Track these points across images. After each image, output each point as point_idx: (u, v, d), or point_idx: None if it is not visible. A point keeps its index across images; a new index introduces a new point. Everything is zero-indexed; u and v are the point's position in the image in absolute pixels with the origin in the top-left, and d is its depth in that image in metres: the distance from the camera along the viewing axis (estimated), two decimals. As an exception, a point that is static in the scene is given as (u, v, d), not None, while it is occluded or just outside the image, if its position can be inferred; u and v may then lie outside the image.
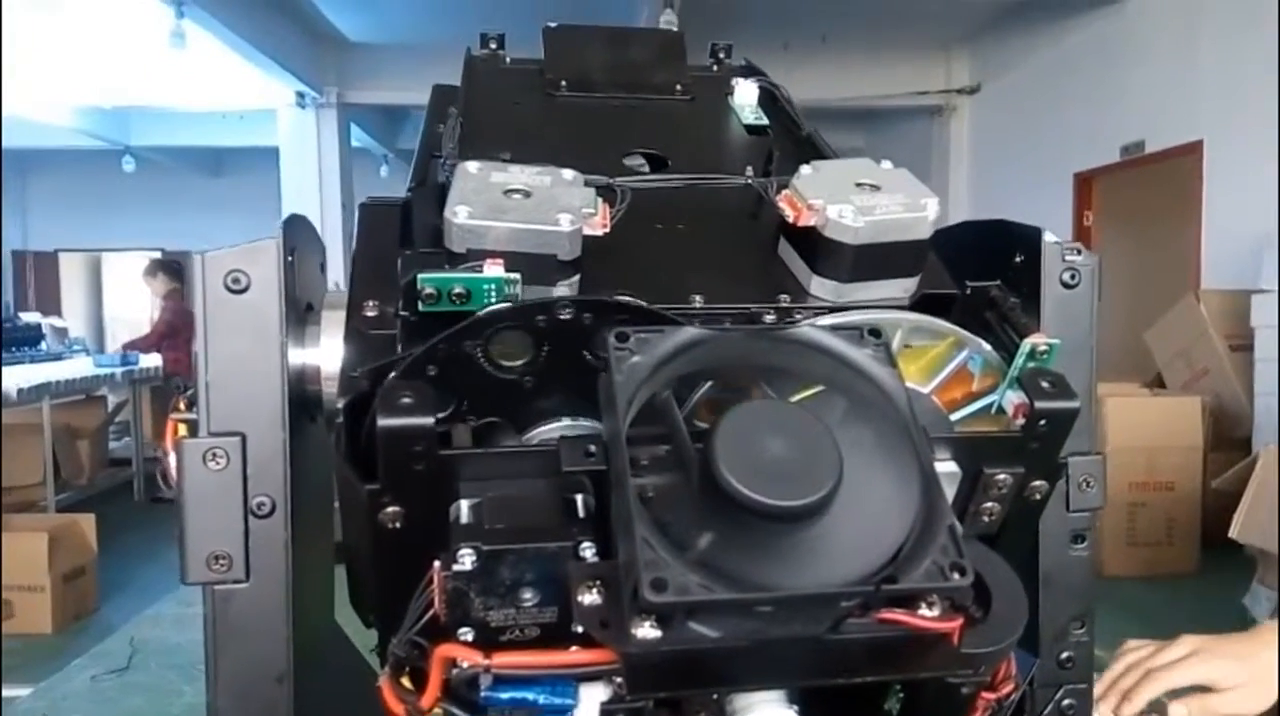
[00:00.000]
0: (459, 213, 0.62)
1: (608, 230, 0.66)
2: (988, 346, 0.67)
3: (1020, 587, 0.60)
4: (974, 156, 8.99)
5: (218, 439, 0.64)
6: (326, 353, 0.71)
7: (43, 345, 8.02)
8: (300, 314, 0.72)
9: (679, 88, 0.99)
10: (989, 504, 0.64)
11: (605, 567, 0.50)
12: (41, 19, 7.09)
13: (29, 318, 8.81)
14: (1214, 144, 5.69)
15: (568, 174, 0.68)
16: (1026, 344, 0.65)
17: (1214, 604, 3.88)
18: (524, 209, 0.64)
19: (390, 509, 0.55)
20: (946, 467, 0.61)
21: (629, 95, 0.97)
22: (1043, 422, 0.61)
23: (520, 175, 0.67)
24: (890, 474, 0.52)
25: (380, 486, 0.54)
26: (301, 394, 0.70)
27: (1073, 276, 0.73)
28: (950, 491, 0.62)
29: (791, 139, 0.94)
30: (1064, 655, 0.75)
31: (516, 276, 0.61)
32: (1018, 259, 0.74)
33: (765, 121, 0.96)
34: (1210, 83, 5.70)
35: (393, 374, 0.58)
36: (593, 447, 0.54)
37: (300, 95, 8.71)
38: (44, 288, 13.15)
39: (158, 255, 10.90)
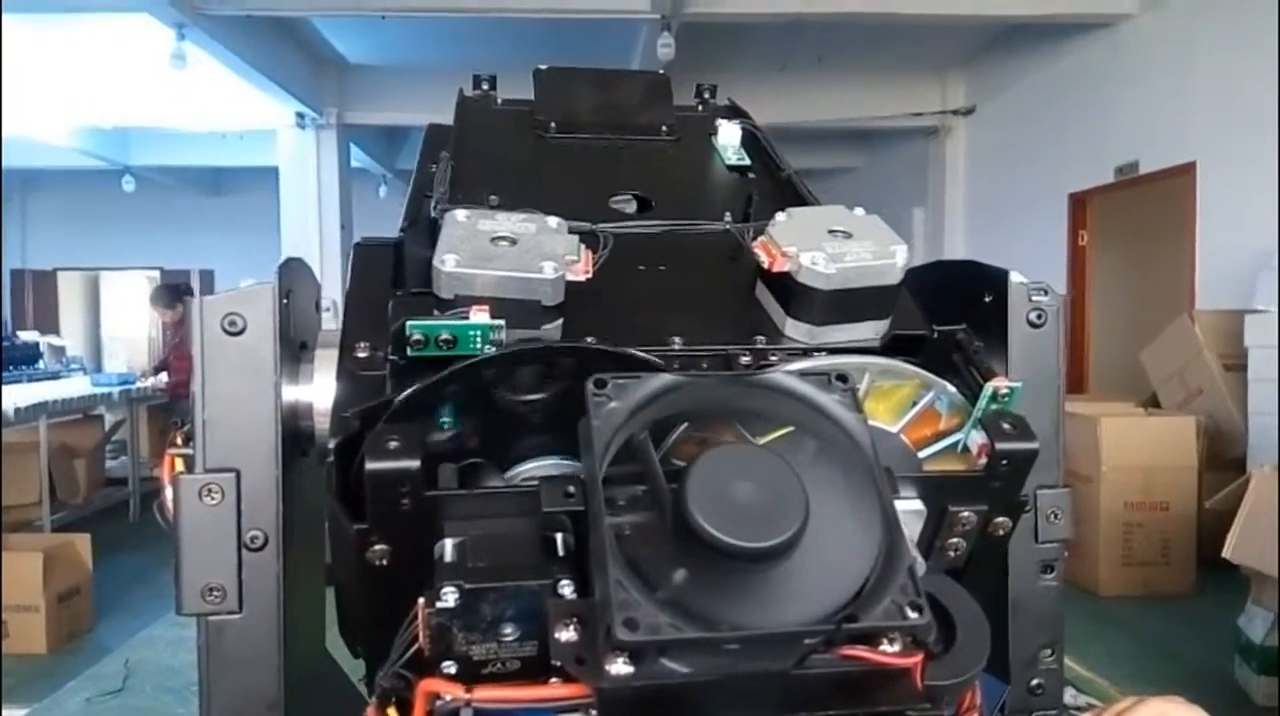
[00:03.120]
0: (447, 261, 0.65)
1: (590, 276, 0.68)
2: (952, 388, 0.69)
3: (984, 620, 0.62)
4: (969, 177, 9.05)
5: (213, 475, 0.66)
6: (320, 390, 0.73)
7: (40, 364, 8.03)
8: (295, 352, 0.74)
9: (665, 129, 1.02)
10: (954, 539, 0.66)
11: (581, 606, 0.52)
12: (43, 39, 7.15)
13: (27, 336, 8.82)
14: (1207, 165, 5.73)
15: (552, 221, 0.71)
16: (989, 387, 0.67)
17: (1209, 624, 3.88)
18: (509, 257, 0.66)
19: (378, 547, 0.57)
20: (912, 505, 0.64)
21: (616, 136, 1.00)
22: (1004, 463, 0.64)
23: (506, 223, 0.70)
24: (854, 515, 0.54)
25: (368, 526, 0.57)
26: (295, 429, 0.73)
27: (1039, 316, 0.76)
28: (916, 528, 0.64)
29: (772, 180, 0.97)
30: (1034, 682, 0.77)
31: (501, 323, 0.63)
32: (986, 299, 0.77)
33: (747, 162, 0.99)
34: (1203, 104, 5.75)
35: (384, 416, 0.60)
36: (571, 488, 0.56)
37: (300, 116, 8.75)
38: (42, 306, 13.17)
39: (156, 274, 10.94)
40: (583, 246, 0.70)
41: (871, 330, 0.74)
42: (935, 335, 0.75)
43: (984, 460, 0.64)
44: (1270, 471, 3.29)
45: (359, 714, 0.74)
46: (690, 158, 1.00)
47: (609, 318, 0.71)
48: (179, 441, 0.70)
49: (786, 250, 0.70)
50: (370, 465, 0.54)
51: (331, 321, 0.80)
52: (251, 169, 10.91)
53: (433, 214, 0.76)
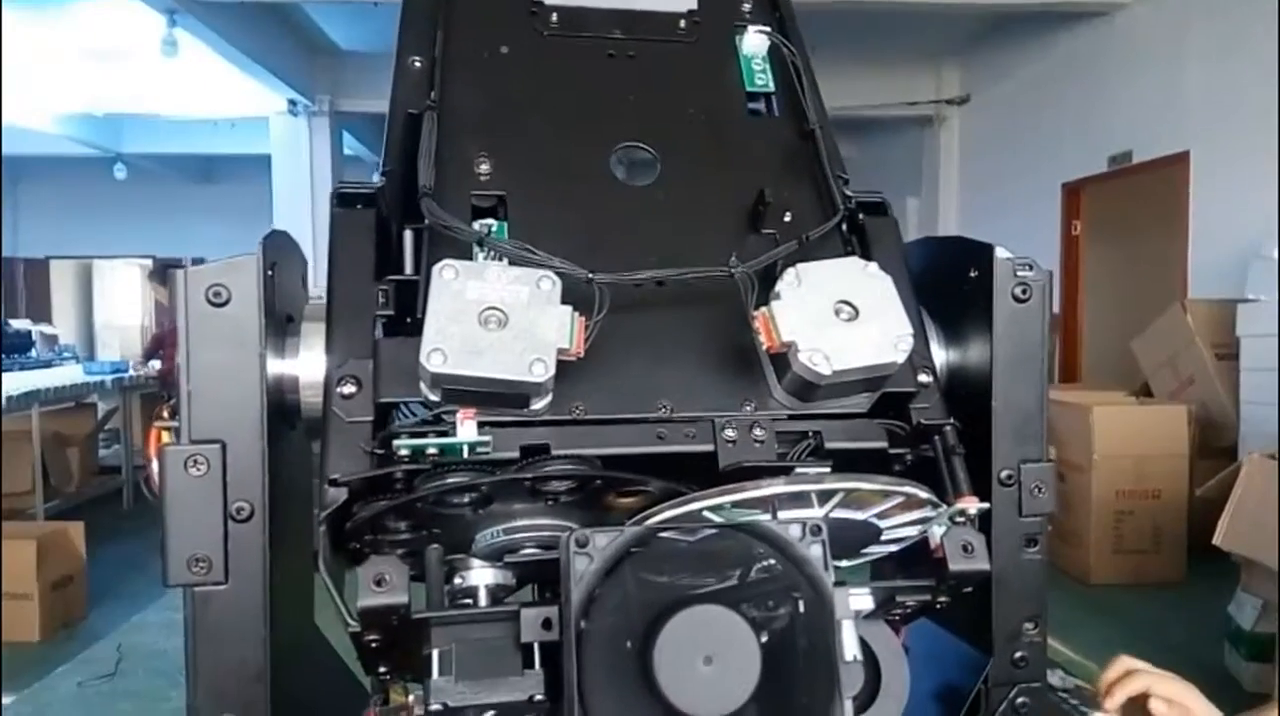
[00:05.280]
0: (433, 360, 0.64)
1: (581, 356, 0.68)
2: (923, 493, 0.70)
3: (904, 662, 0.70)
4: (963, 166, 9.04)
5: (198, 446, 0.67)
6: (306, 363, 0.73)
7: (33, 352, 8.01)
8: (281, 325, 0.74)
9: (681, 24, 0.91)
10: (896, 611, 0.72)
11: None
12: (33, 25, 7.10)
13: (19, 324, 8.79)
14: (1200, 155, 5.74)
15: (545, 283, 0.68)
16: (958, 506, 0.70)
17: (1200, 611, 3.90)
18: (499, 348, 0.65)
19: (370, 637, 0.63)
20: (863, 602, 0.68)
21: (625, 36, 0.89)
22: (954, 581, 0.69)
23: (498, 285, 0.67)
24: (804, 677, 0.60)
25: (361, 630, 0.63)
26: (281, 403, 0.73)
27: (1024, 291, 0.76)
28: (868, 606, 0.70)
29: (795, 129, 0.90)
30: (1017, 654, 0.78)
31: (488, 438, 0.65)
32: (972, 274, 0.77)
33: (771, 87, 0.91)
34: (1197, 94, 5.76)
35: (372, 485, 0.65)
36: (549, 618, 0.62)
37: (292, 103, 8.72)
38: (34, 295, 13.10)
39: (149, 262, 10.90)
40: (576, 315, 0.68)
41: (862, 398, 0.74)
42: (920, 425, 0.76)
43: (941, 554, 0.70)
44: (1260, 458, 3.30)
45: (346, 686, 0.75)
46: (708, 80, 0.91)
47: (598, 385, 0.72)
48: (165, 415, 0.70)
49: (785, 340, 0.68)
50: (363, 602, 0.60)
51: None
52: (244, 156, 10.85)
53: (419, 198, 0.74)
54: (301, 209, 8.83)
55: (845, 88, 8.68)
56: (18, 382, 5.91)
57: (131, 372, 6.98)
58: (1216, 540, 3.31)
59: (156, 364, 6.95)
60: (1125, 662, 1.18)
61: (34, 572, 4.06)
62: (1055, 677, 1.48)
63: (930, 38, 8.30)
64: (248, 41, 7.10)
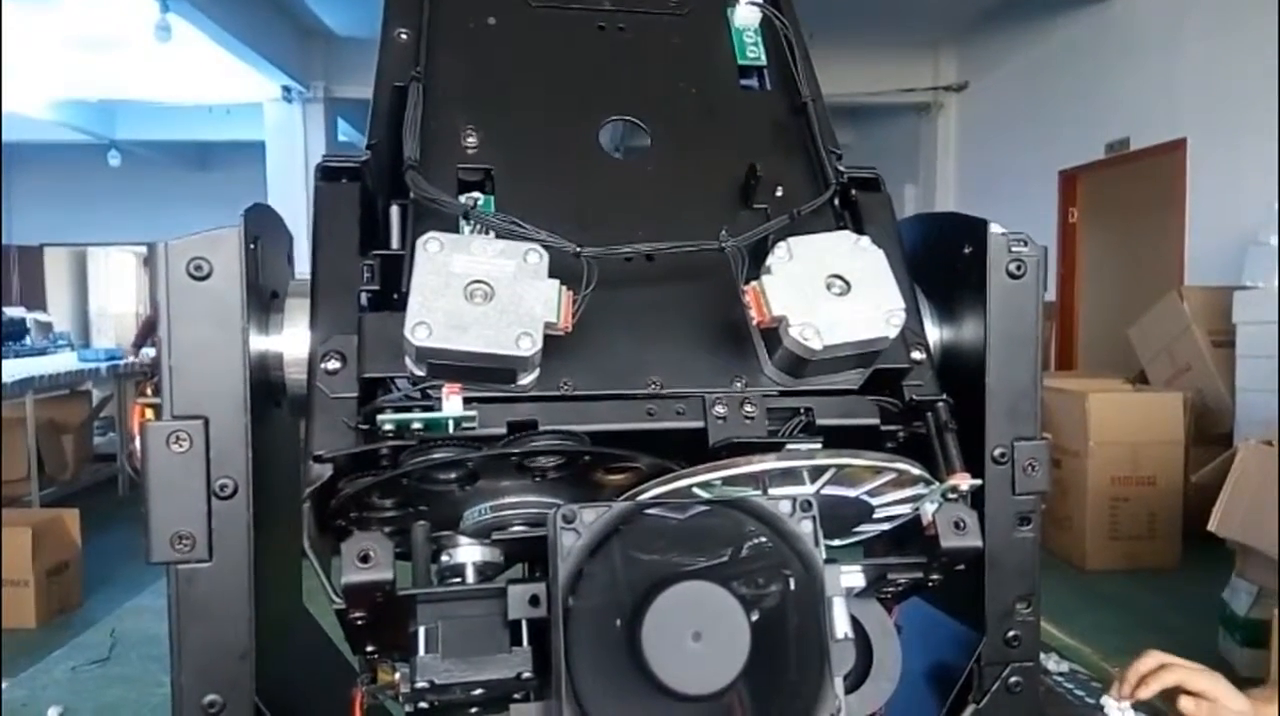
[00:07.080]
0: (418, 333, 0.63)
1: (569, 330, 0.66)
2: (915, 469, 0.69)
3: (896, 641, 0.71)
4: (961, 153, 9.02)
5: (181, 422, 0.66)
6: (290, 339, 0.72)
7: (27, 340, 8.00)
8: (265, 301, 0.73)
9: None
10: (888, 589, 0.72)
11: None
12: (26, 11, 7.06)
13: (13, 312, 8.78)
14: (1197, 142, 5.73)
15: (532, 257, 0.67)
16: (950, 482, 0.69)
17: (1195, 597, 3.91)
18: (484, 322, 0.64)
19: (356, 614, 0.63)
20: (854, 579, 0.67)
21: (615, 8, 0.89)
22: (945, 557, 0.69)
23: (483, 257, 0.66)
24: (794, 655, 0.60)
25: (346, 607, 0.62)
26: (266, 380, 0.72)
27: (1018, 267, 0.75)
28: (859, 584, 0.69)
29: (787, 104, 0.89)
30: (1010, 633, 0.77)
31: (474, 414, 0.65)
32: (966, 249, 0.76)
33: (763, 60, 0.91)
34: (1194, 81, 5.74)
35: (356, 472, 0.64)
36: (536, 595, 0.61)
37: (286, 89, 8.68)
38: (29, 282, 13.07)
39: (143, 250, 10.88)
40: (564, 290, 0.67)
41: (854, 374, 0.73)
42: (913, 401, 0.75)
43: (933, 531, 0.69)
44: (1256, 445, 3.31)
45: (332, 664, 0.74)
46: (699, 53, 0.90)
47: (586, 361, 0.70)
48: (149, 392, 0.69)
49: (776, 314, 0.67)
50: (347, 578, 0.59)
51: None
52: (239, 143, 10.80)
53: (403, 170, 0.73)
54: (296, 195, 8.79)
55: (842, 74, 8.65)
56: (12, 370, 5.90)
57: (126, 360, 6.97)
58: (1211, 526, 3.32)
59: (150, 352, 6.93)
60: (1158, 656, 1.18)
61: (30, 559, 4.06)
62: (1050, 662, 1.48)
63: (928, 24, 8.27)
64: (242, 27, 7.06)
